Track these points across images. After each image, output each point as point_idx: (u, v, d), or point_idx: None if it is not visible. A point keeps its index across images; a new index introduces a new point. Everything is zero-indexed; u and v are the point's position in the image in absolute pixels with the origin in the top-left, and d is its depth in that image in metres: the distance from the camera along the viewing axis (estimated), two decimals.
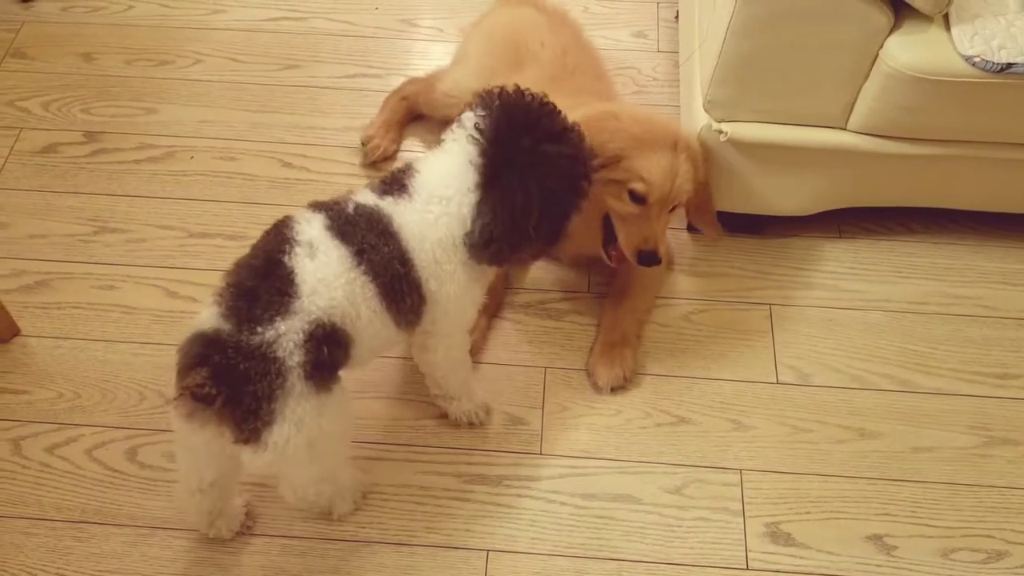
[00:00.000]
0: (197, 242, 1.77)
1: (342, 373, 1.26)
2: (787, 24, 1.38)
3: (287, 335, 1.16)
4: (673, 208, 1.52)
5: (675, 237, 1.78)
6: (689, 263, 1.75)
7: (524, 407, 1.57)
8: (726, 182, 1.65)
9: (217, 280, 1.68)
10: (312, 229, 1.23)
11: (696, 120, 1.59)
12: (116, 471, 1.49)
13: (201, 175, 1.87)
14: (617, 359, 1.59)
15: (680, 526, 1.44)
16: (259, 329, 1.15)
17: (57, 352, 1.62)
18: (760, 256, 1.76)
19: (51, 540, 1.42)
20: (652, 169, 1.46)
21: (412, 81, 1.96)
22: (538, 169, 1.24)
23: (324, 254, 1.21)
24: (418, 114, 1.94)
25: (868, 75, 1.44)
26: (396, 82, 2.02)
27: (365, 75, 2.06)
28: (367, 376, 1.59)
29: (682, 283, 1.73)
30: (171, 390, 1.19)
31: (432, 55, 2.09)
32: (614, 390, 1.58)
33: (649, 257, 1.49)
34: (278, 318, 1.16)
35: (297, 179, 1.88)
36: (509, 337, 1.65)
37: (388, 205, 1.27)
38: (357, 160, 1.90)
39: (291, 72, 2.06)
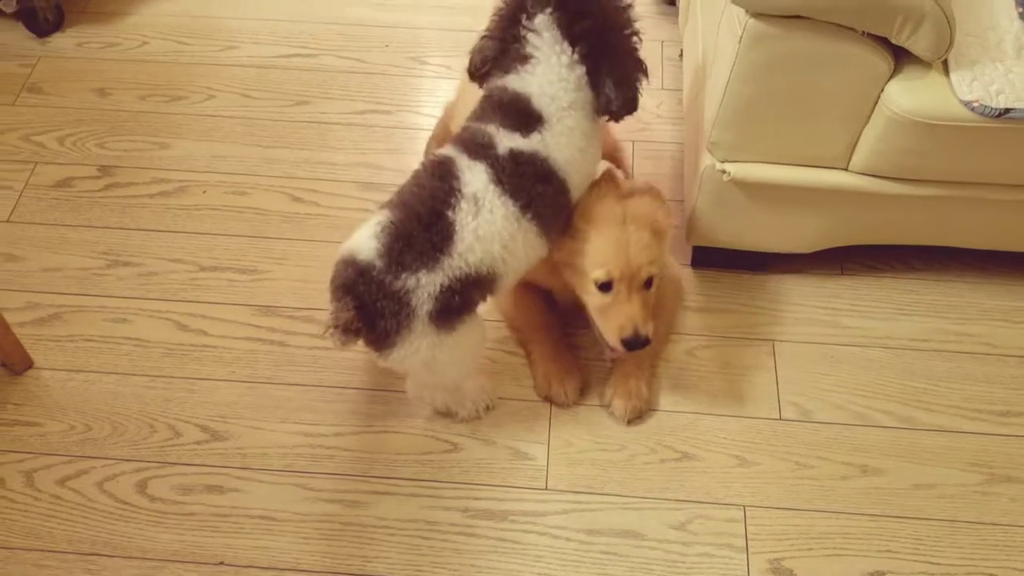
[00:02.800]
0: (208, 276, 1.80)
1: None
2: (789, 69, 1.41)
3: (425, 287, 1.31)
4: (648, 284, 1.48)
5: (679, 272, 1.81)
6: (693, 299, 1.78)
7: (529, 442, 1.59)
8: (730, 220, 1.67)
9: (226, 314, 1.71)
10: (477, 181, 1.35)
11: (700, 160, 1.61)
12: (126, 504, 1.51)
13: (212, 209, 1.91)
14: (633, 391, 1.61)
15: (684, 562, 1.46)
16: (403, 276, 1.30)
17: (69, 384, 1.65)
18: (763, 292, 1.78)
19: (62, 572, 1.43)
20: (605, 250, 1.44)
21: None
22: (616, 37, 1.39)
23: (489, 212, 1.34)
24: None
25: (869, 119, 1.46)
26: (405, 118, 2.06)
27: (375, 111, 2.09)
28: (371, 410, 1.62)
29: (686, 319, 1.75)
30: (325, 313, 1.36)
31: (440, 92, 2.12)
32: (630, 422, 1.60)
33: (634, 342, 1.47)
34: (423, 270, 1.31)
35: (307, 213, 1.91)
36: (516, 372, 1.67)
37: (539, 144, 1.38)
38: (367, 195, 1.93)
39: (302, 108, 2.10)
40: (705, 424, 1.61)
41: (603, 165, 1.60)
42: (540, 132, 1.38)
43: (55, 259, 1.82)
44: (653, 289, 1.50)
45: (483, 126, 1.40)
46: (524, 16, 1.38)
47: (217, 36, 2.24)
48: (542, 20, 1.37)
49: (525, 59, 1.39)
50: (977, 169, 1.51)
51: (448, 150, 1.40)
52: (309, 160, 2.00)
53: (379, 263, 1.31)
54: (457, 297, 1.34)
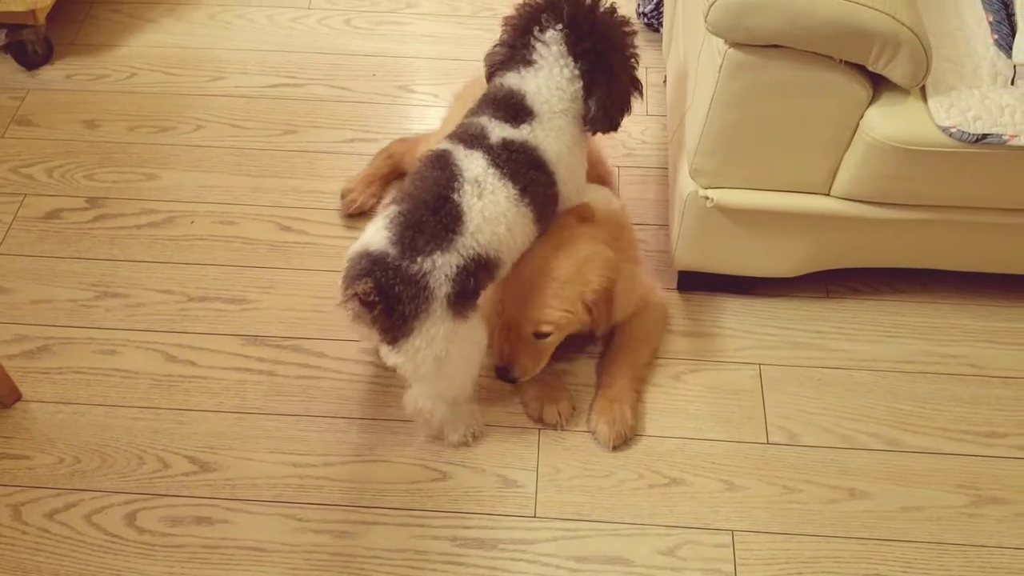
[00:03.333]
0: (196, 306, 1.81)
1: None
2: (769, 97, 1.43)
3: (441, 268, 1.34)
4: (540, 335, 1.55)
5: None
6: (679, 323, 1.79)
7: (518, 469, 1.59)
8: (714, 245, 1.69)
9: (215, 344, 1.72)
10: (476, 167, 1.41)
11: (683, 186, 1.63)
12: (115, 536, 1.50)
13: (201, 239, 1.91)
14: (617, 416, 1.61)
15: None
16: (419, 259, 1.33)
17: (58, 417, 1.65)
18: (748, 316, 1.80)
19: None
20: (503, 286, 1.54)
21: (400, 141, 2.02)
22: (617, 58, 1.50)
23: (491, 193, 1.40)
24: (402, 172, 1.98)
25: (849, 145, 1.48)
26: None
27: (362, 139, 2.11)
28: (360, 439, 1.62)
29: (672, 343, 1.76)
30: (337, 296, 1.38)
31: (427, 120, 2.14)
32: (616, 447, 1.61)
33: (500, 372, 1.58)
34: (437, 252, 1.34)
35: (296, 242, 1.92)
36: (503, 399, 1.68)
37: (529, 135, 1.46)
38: (355, 223, 1.94)
39: (290, 137, 2.11)
40: (693, 449, 1.62)
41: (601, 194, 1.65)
42: (530, 125, 1.47)
43: (44, 291, 1.83)
44: (548, 340, 1.56)
45: (475, 119, 1.49)
46: (537, 28, 1.48)
47: (205, 67, 2.26)
48: (552, 34, 1.47)
49: (529, 64, 1.49)
50: (957, 193, 1.53)
51: (444, 144, 1.47)
52: (297, 189, 2.01)
53: (393, 250, 1.34)
54: (472, 280, 1.38)
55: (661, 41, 2.23)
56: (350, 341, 1.75)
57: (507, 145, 1.44)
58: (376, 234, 1.37)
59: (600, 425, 1.61)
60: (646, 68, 2.22)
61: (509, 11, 1.56)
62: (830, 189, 1.57)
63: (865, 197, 1.56)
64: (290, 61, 2.28)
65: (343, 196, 1.95)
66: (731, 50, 1.39)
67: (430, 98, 2.19)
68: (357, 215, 1.94)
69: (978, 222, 1.59)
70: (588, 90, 1.49)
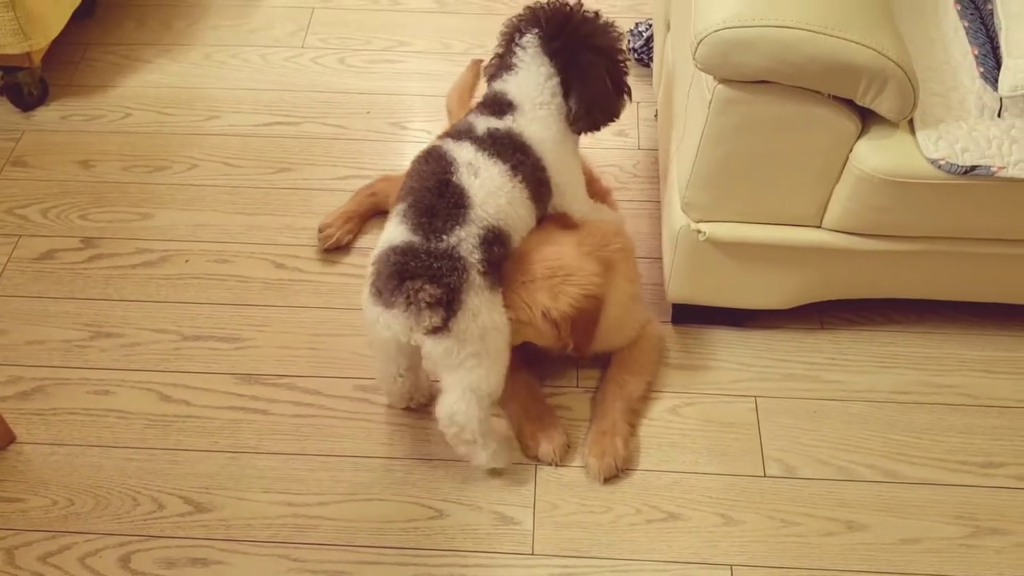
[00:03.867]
0: (190, 345, 1.80)
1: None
2: (759, 132, 1.44)
3: (467, 239, 1.41)
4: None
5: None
6: (674, 357, 1.79)
7: (515, 506, 1.58)
8: (707, 277, 1.69)
9: (209, 383, 1.72)
10: (466, 153, 1.50)
11: (676, 220, 1.64)
12: None
13: (195, 278, 1.92)
14: (609, 448, 1.60)
15: None
16: (444, 237, 1.40)
17: (52, 459, 1.64)
18: (743, 349, 1.80)
19: None
20: None
21: (384, 179, 2.03)
22: (587, 56, 1.58)
23: (486, 171, 1.48)
24: (383, 210, 1.98)
25: (840, 178, 1.49)
26: None
27: (357, 176, 2.11)
28: (355, 477, 1.61)
29: (667, 376, 1.76)
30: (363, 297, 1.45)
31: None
32: (607, 480, 1.60)
33: None
34: (457, 227, 1.41)
35: (290, 279, 1.92)
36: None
37: (512, 124, 1.57)
38: (350, 259, 1.95)
39: (284, 175, 2.12)
40: (690, 483, 1.61)
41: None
42: (513, 115, 1.57)
43: (38, 332, 1.83)
44: None
45: (464, 119, 1.60)
46: (518, 35, 1.61)
47: (199, 106, 2.28)
48: (528, 38, 1.59)
49: (511, 68, 1.61)
50: (948, 224, 1.54)
51: (434, 143, 1.57)
52: (292, 226, 2.02)
53: (417, 237, 1.41)
54: (495, 247, 1.45)
55: (651, 76, 2.25)
56: (344, 378, 1.75)
57: (492, 133, 1.54)
58: (394, 230, 1.44)
59: (590, 458, 1.60)
60: (637, 103, 2.24)
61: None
62: (822, 221, 1.58)
63: (856, 229, 1.56)
64: (284, 100, 2.29)
65: (320, 231, 1.96)
66: (720, 86, 1.41)
67: (423, 135, 2.21)
68: (333, 250, 1.95)
69: (970, 252, 1.60)
70: (566, 88, 1.59)
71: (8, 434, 1.65)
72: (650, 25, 2.31)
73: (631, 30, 2.34)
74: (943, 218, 1.52)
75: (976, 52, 1.52)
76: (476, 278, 1.41)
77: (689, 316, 1.83)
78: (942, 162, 1.41)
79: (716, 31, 1.34)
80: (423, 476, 1.62)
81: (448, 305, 1.38)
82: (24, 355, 1.79)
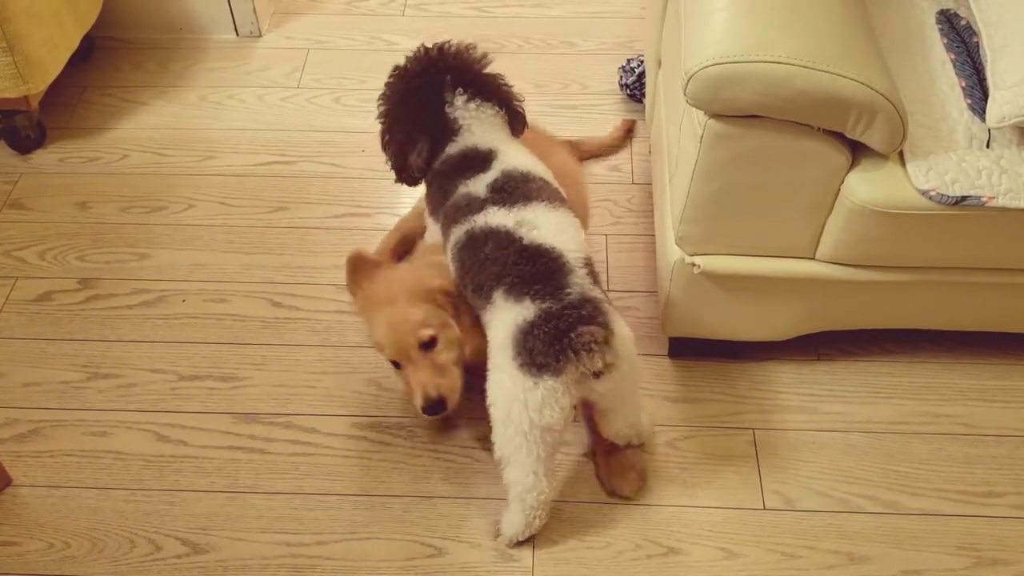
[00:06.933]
0: (188, 385, 1.80)
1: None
2: (750, 166, 1.46)
3: (582, 280, 1.41)
4: (427, 345, 1.54)
5: (655, 363, 1.82)
6: (671, 390, 1.79)
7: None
8: (703, 310, 1.70)
9: (206, 423, 1.71)
10: (501, 217, 1.48)
11: (670, 253, 1.65)
12: None
13: (192, 318, 1.92)
14: (625, 464, 1.62)
15: None
16: (567, 290, 1.38)
17: (48, 501, 1.63)
18: (740, 381, 1.80)
19: None
20: (378, 333, 1.56)
21: (403, 219, 2.03)
22: (482, 77, 1.64)
23: (534, 218, 1.47)
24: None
25: (832, 210, 1.50)
26: (383, 220, 2.09)
27: (353, 214, 2.13)
28: (353, 516, 1.60)
29: (664, 410, 1.76)
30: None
31: (417, 193, 2.16)
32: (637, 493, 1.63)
33: (430, 407, 1.54)
34: (569, 275, 1.40)
35: (287, 318, 1.92)
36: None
37: (498, 162, 1.58)
38: (346, 298, 1.95)
39: (281, 214, 2.13)
40: (689, 517, 1.61)
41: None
42: (496, 157, 1.58)
43: (35, 373, 1.82)
44: (440, 347, 1.55)
45: (457, 192, 1.58)
46: (446, 105, 1.63)
47: (196, 147, 2.29)
48: (454, 98, 1.62)
49: (458, 128, 1.63)
50: (940, 254, 1.55)
51: (458, 230, 1.53)
52: (288, 265, 2.02)
53: (545, 304, 1.37)
54: (593, 273, 1.47)
55: (644, 111, 2.28)
56: (342, 416, 1.75)
57: (497, 185, 1.53)
58: (512, 313, 1.39)
59: (614, 480, 1.62)
60: (632, 138, 2.26)
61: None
62: (815, 253, 1.59)
63: (850, 260, 1.57)
64: (280, 139, 2.31)
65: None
66: (711, 121, 1.42)
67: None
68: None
69: (963, 282, 1.61)
70: (487, 101, 1.63)
71: (4, 477, 1.65)
72: (641, 61, 2.34)
73: (623, 66, 2.37)
74: (935, 248, 1.53)
75: (963, 84, 1.54)
76: (607, 306, 1.40)
77: (686, 349, 1.83)
78: (933, 193, 1.43)
79: (706, 67, 1.36)
80: (422, 514, 1.61)
81: (606, 340, 1.35)
82: (21, 397, 1.79)
